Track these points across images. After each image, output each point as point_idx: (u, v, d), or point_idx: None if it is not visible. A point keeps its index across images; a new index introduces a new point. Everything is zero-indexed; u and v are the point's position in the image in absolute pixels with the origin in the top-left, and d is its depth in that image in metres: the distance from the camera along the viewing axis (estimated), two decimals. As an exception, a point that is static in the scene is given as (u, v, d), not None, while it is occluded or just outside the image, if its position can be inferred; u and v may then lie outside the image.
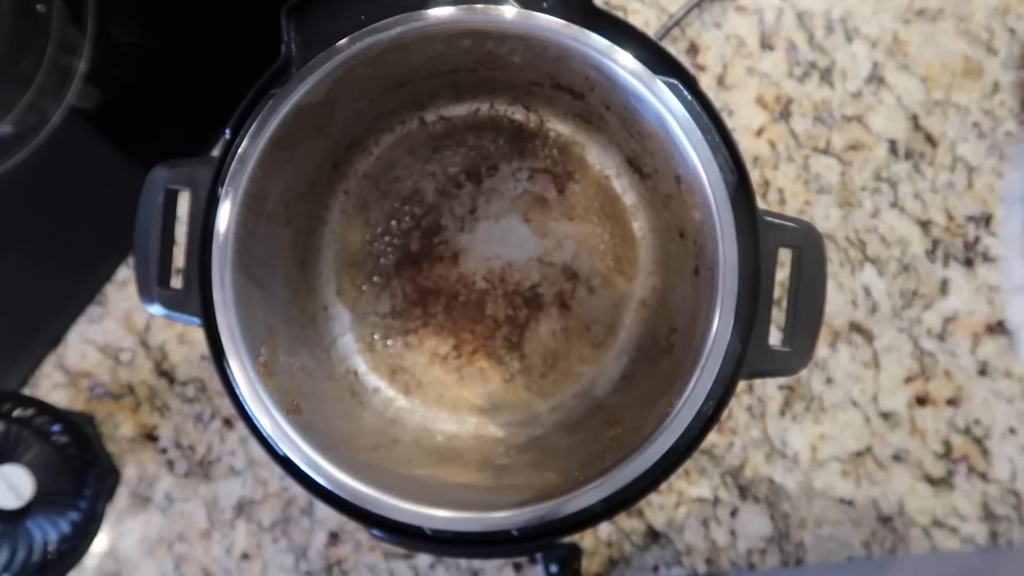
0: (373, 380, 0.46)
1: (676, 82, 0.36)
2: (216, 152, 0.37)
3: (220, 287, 0.36)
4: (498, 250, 0.47)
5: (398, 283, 0.47)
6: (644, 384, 0.43)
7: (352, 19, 0.36)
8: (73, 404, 0.50)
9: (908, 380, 0.49)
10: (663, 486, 0.45)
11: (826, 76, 0.49)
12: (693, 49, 0.49)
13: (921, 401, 0.49)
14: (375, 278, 0.47)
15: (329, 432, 0.39)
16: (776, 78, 0.49)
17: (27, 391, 0.49)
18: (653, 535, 0.49)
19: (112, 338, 0.50)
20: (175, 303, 0.37)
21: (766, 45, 0.49)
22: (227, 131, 0.36)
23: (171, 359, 0.50)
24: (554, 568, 0.46)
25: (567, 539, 0.48)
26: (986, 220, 0.49)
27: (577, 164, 0.46)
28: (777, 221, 0.36)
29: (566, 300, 0.47)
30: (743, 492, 0.49)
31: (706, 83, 0.49)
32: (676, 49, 0.49)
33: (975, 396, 0.49)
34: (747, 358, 0.36)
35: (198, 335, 0.50)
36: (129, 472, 0.50)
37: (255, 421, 0.36)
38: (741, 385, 0.40)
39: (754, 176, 0.49)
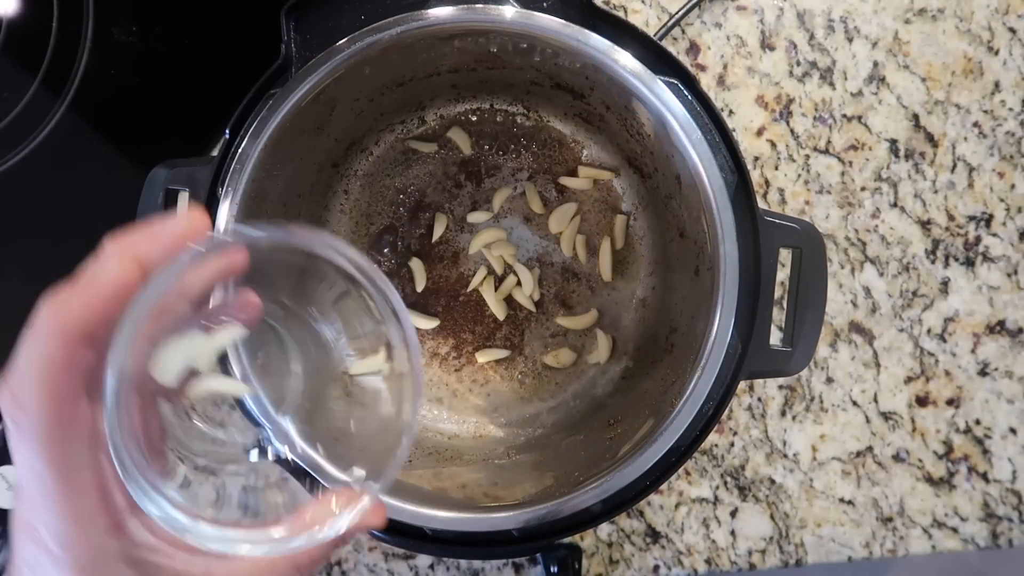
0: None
1: (676, 82, 0.36)
2: (216, 152, 0.37)
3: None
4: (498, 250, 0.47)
5: (398, 283, 0.47)
6: (644, 384, 0.43)
7: (352, 19, 0.36)
8: (73, 404, 0.50)
9: (908, 380, 0.49)
10: (663, 486, 0.45)
11: (826, 76, 0.49)
12: (693, 49, 0.49)
13: (921, 401, 0.49)
14: (375, 278, 0.47)
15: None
16: (776, 78, 0.49)
17: (27, 391, 0.49)
18: (653, 535, 0.49)
19: (112, 338, 0.50)
20: (175, 303, 0.37)
21: (766, 45, 0.49)
22: (227, 131, 0.36)
23: (171, 359, 0.50)
24: (554, 568, 0.46)
25: (567, 539, 0.48)
26: (987, 220, 0.49)
27: (577, 164, 0.46)
28: (777, 221, 0.36)
29: (566, 300, 0.47)
30: (743, 492, 0.49)
31: (706, 83, 0.49)
32: (676, 49, 0.49)
33: (975, 396, 0.49)
34: (747, 358, 0.36)
35: (198, 335, 0.50)
36: (129, 472, 0.50)
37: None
38: (741, 385, 0.40)
39: (754, 176, 0.49)
